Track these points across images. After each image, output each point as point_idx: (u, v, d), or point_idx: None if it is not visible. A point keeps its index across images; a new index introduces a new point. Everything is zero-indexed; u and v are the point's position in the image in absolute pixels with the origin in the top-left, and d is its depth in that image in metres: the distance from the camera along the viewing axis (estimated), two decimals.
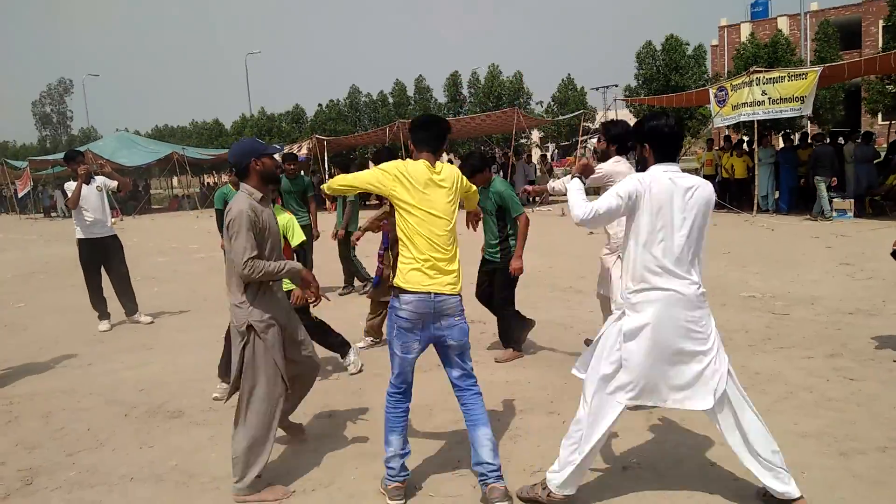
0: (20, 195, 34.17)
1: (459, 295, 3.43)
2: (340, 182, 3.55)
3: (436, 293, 3.33)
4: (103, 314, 7.75)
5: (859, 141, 14.98)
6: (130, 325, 7.82)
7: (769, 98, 14.44)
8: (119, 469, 3.99)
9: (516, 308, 5.88)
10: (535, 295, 8.01)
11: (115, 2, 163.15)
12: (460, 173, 3.62)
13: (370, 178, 3.46)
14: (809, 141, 16.76)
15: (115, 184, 7.85)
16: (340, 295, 8.83)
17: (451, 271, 3.40)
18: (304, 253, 5.18)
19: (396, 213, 3.46)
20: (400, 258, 3.45)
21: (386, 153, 6.02)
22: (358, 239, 7.52)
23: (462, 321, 3.43)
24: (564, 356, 5.74)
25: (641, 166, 3.36)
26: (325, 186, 3.67)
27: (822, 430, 3.97)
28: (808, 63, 26.40)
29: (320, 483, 3.71)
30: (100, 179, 7.75)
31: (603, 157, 5.20)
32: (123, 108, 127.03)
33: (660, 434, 4.06)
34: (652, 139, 3.23)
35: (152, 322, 7.88)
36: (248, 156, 3.62)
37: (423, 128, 3.55)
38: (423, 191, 3.37)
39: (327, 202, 11.17)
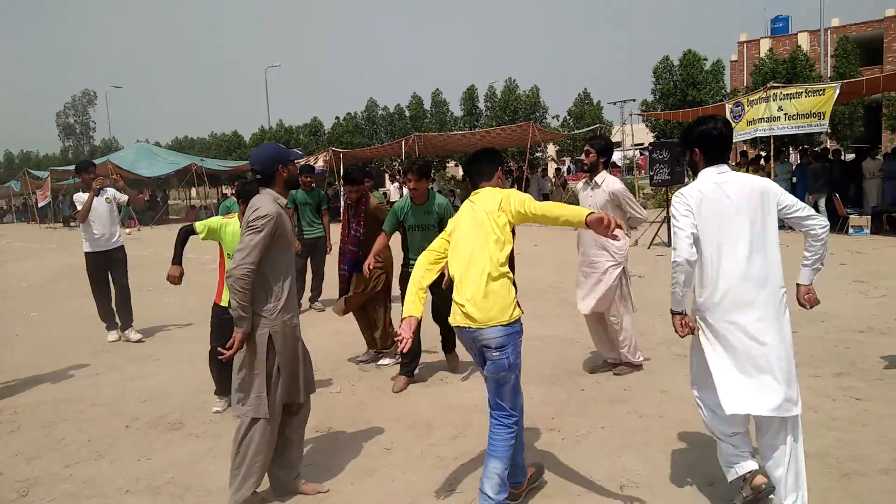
0: (40, 205, 34.69)
1: (501, 327, 3.19)
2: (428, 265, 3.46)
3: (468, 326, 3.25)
4: (111, 325, 7.79)
5: (881, 157, 14.79)
6: (140, 336, 7.88)
7: (785, 114, 14.32)
8: (116, 481, 4.00)
9: None
10: (542, 310, 7.98)
11: (139, 16, 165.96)
12: (504, 195, 3.37)
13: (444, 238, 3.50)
14: (830, 157, 16.61)
15: (125, 197, 7.91)
16: None
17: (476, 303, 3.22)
18: None
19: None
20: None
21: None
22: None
23: (500, 357, 3.20)
24: (569, 372, 5.69)
25: (692, 170, 3.43)
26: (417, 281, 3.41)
27: (824, 451, 3.89)
28: (827, 79, 26.18)
29: (315, 498, 3.69)
30: (110, 191, 7.76)
31: (592, 168, 5.48)
32: (145, 120, 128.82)
33: (658, 453, 4.00)
34: (702, 143, 3.30)
35: (141, 340, 7.63)
36: (276, 163, 3.56)
37: (471, 164, 3.61)
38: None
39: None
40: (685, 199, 3.19)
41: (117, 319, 7.81)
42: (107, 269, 7.66)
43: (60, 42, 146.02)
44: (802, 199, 15.46)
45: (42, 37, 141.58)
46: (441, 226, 5.34)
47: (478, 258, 3.26)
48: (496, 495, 3.22)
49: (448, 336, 5.84)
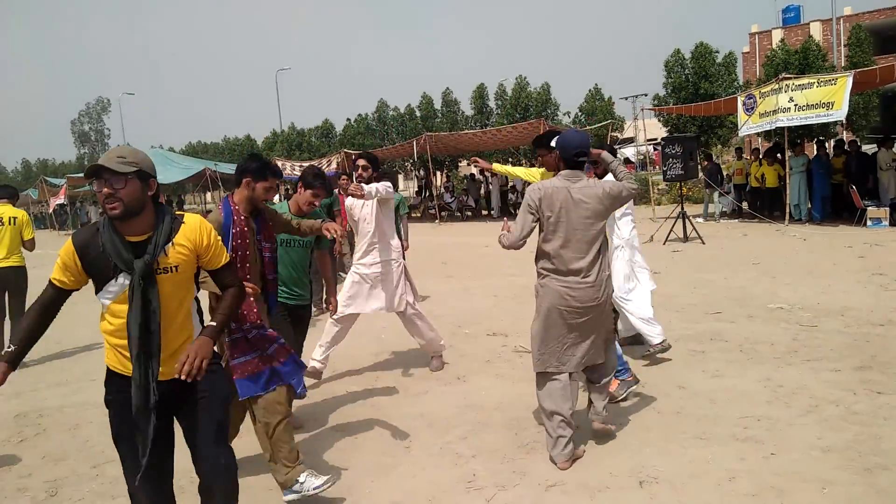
0: (52, 208, 35.27)
1: None
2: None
3: None
4: None
5: None
6: None
7: (795, 105, 14.20)
8: None
9: None
10: None
11: (149, 23, 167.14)
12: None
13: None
14: (846, 148, 16.45)
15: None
16: None
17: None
18: None
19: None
20: None
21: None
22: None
23: None
24: None
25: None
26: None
27: (846, 445, 3.88)
28: (840, 69, 25.91)
29: (336, 497, 3.73)
30: None
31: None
32: (158, 126, 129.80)
33: (677, 448, 4.00)
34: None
35: None
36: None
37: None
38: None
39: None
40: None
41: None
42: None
43: (74, 50, 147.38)
44: (820, 192, 15.39)
45: (56, 46, 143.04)
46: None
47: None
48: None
49: None
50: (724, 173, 19.89)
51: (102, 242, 2.57)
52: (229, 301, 2.89)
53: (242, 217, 3.73)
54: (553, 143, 4.13)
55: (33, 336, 2.73)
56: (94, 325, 8.42)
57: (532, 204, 3.87)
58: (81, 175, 35.17)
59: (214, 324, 2.79)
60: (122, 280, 2.59)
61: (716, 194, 18.04)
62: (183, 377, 2.59)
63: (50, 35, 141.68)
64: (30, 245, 7.20)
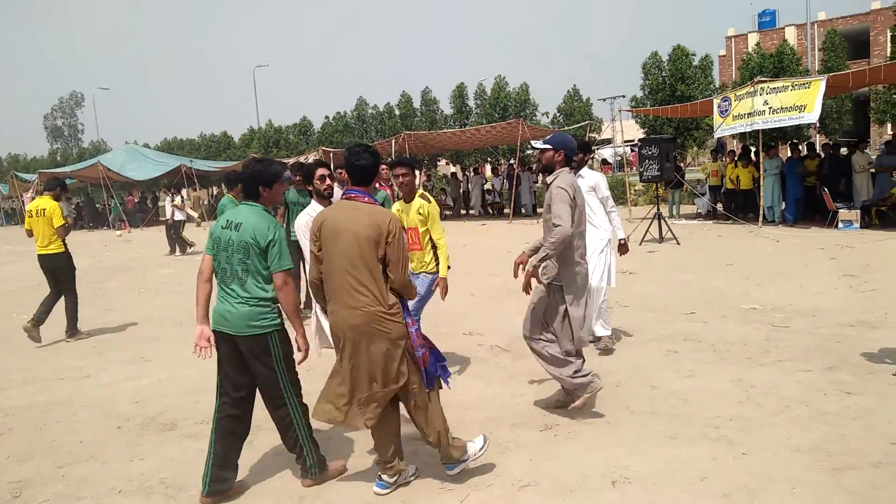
0: (28, 204, 34.57)
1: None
2: None
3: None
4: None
5: (882, 149, 14.88)
6: (131, 336, 7.84)
7: (770, 108, 14.39)
8: (108, 482, 3.99)
9: None
10: None
11: (126, 17, 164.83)
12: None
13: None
14: (819, 152, 16.70)
15: None
16: None
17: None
18: None
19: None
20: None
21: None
22: None
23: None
24: None
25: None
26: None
27: (815, 445, 3.92)
28: (815, 73, 26.30)
29: (304, 496, 3.69)
30: None
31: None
32: (133, 121, 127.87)
33: (650, 448, 4.02)
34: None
35: None
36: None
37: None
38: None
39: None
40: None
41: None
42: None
43: (46, 43, 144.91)
44: (793, 194, 15.56)
45: (27, 38, 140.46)
46: None
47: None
48: None
49: None
50: (703, 175, 20.22)
51: None
52: None
53: None
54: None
55: None
56: (60, 324, 8.22)
57: (570, 196, 4.32)
58: (53, 171, 34.66)
59: None
60: None
61: (675, 194, 19.39)
62: None
63: (23, 28, 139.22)
64: (61, 231, 7.75)
